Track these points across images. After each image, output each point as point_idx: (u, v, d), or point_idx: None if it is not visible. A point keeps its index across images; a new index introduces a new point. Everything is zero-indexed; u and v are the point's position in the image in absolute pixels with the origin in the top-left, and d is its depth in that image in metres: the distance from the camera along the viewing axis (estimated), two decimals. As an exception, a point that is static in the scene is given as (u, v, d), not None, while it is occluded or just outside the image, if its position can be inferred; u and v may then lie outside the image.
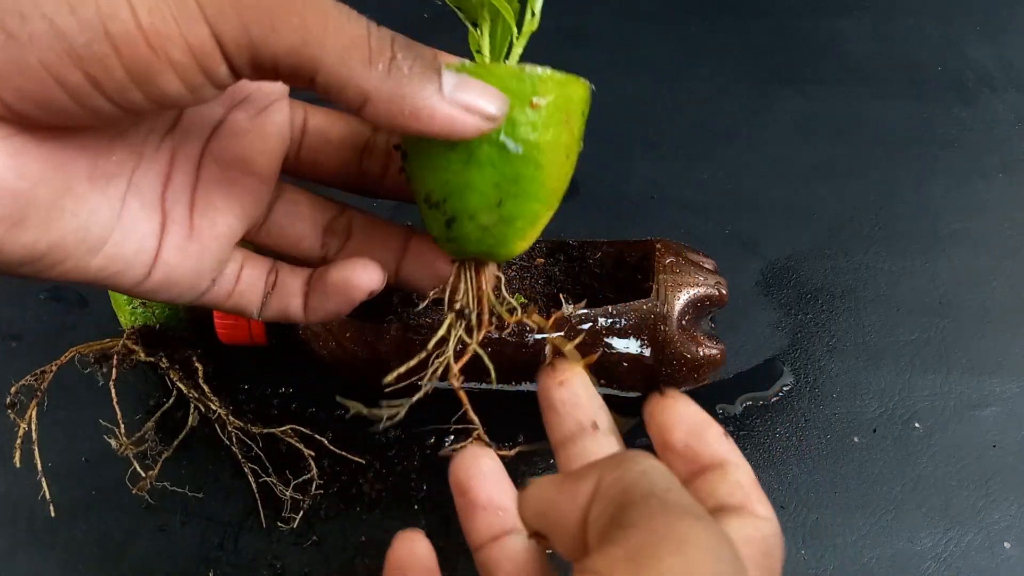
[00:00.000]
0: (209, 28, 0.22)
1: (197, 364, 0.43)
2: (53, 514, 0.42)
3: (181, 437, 0.43)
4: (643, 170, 0.57)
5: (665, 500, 0.22)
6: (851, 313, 0.50)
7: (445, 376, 0.32)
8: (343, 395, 0.33)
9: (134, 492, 0.42)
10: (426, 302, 0.36)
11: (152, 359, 0.43)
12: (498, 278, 0.33)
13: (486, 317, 0.32)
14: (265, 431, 0.43)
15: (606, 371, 0.42)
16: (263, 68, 0.24)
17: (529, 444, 0.32)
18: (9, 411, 0.42)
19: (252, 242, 0.34)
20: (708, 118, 0.60)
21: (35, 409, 0.41)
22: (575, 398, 0.30)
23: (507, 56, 0.30)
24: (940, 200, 0.55)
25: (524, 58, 0.29)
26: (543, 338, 0.41)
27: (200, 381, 0.43)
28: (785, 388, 0.48)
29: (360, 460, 0.44)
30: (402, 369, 0.31)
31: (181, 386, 0.43)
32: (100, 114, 0.24)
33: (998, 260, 0.52)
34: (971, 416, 0.46)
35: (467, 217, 0.29)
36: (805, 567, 0.42)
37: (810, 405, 0.47)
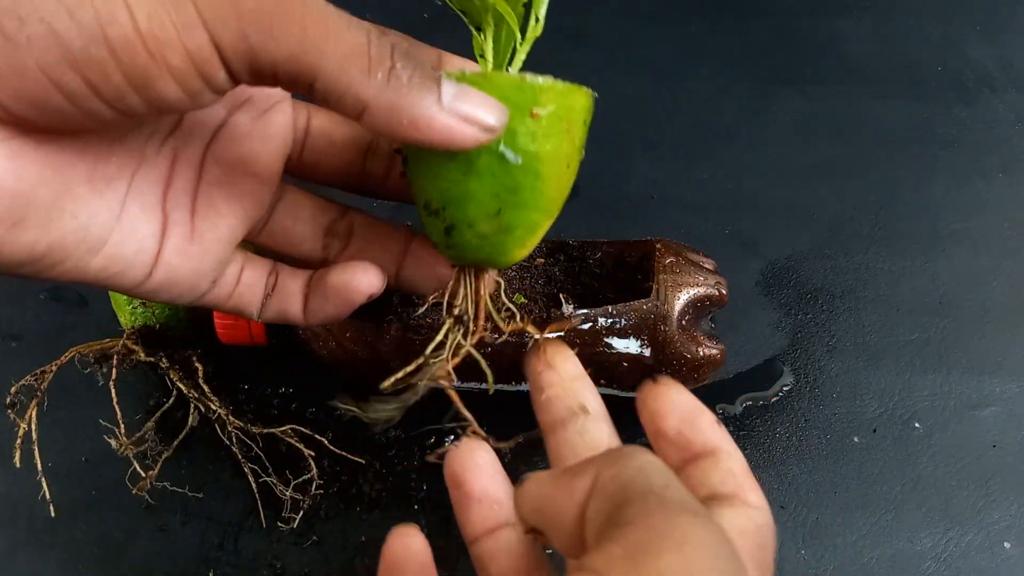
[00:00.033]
0: (208, 34, 0.22)
1: (197, 364, 0.43)
2: (53, 514, 0.42)
3: (181, 437, 0.43)
4: (643, 170, 0.57)
5: (663, 497, 0.22)
6: (851, 313, 0.50)
7: (452, 379, 0.33)
8: (339, 399, 0.33)
9: (134, 492, 0.42)
10: (425, 306, 0.36)
11: (152, 359, 0.43)
12: (498, 283, 0.33)
13: (481, 322, 0.32)
14: (265, 431, 0.43)
15: (606, 371, 0.42)
16: (262, 74, 0.23)
17: (528, 433, 0.32)
18: (9, 411, 0.42)
19: (253, 243, 0.34)
20: (708, 118, 0.60)
21: (35, 409, 0.41)
22: (563, 380, 0.30)
23: (510, 61, 0.30)
24: (940, 200, 0.55)
25: (527, 59, 0.29)
26: (554, 324, 0.41)
27: (200, 381, 0.43)
28: (785, 388, 0.48)
29: (360, 460, 0.44)
30: (399, 375, 0.31)
31: (181, 386, 0.43)
32: (98, 118, 0.23)
33: (998, 260, 0.52)
34: (971, 416, 0.46)
35: (466, 225, 0.29)
36: (805, 567, 0.42)
37: (810, 405, 0.47)
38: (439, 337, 0.31)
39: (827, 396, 0.47)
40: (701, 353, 0.42)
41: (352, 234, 0.34)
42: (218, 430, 0.43)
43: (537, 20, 0.29)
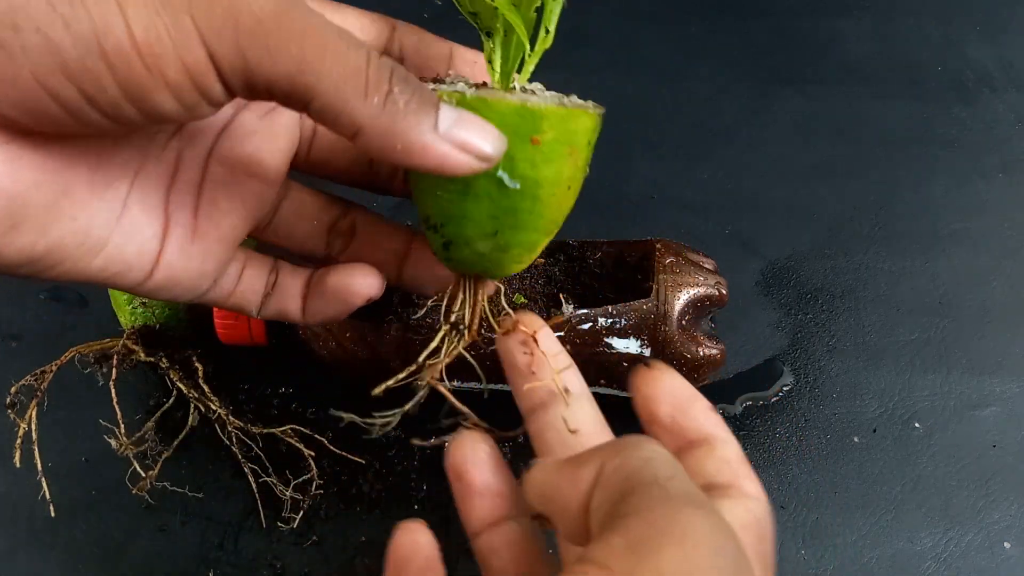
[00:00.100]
0: (205, 48, 0.22)
1: (197, 364, 0.43)
2: (53, 514, 0.42)
3: (181, 437, 0.43)
4: (643, 170, 0.57)
5: (667, 489, 0.22)
6: (851, 313, 0.50)
7: (442, 377, 0.32)
8: (337, 410, 0.33)
9: (134, 492, 0.42)
10: (424, 309, 0.36)
11: (152, 359, 0.43)
12: (497, 287, 0.33)
13: (475, 327, 0.31)
14: (265, 431, 0.43)
15: (606, 371, 0.42)
16: (258, 91, 0.23)
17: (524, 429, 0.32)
18: (9, 411, 0.42)
19: (255, 238, 0.34)
20: (708, 118, 0.60)
21: (35, 409, 0.41)
22: (541, 360, 0.30)
23: (519, 70, 0.30)
24: (940, 200, 0.55)
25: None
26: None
27: (200, 381, 0.43)
28: (785, 388, 0.48)
29: (360, 460, 0.44)
30: (391, 382, 0.31)
31: (181, 386, 0.43)
32: (94, 127, 0.23)
33: (998, 260, 0.52)
34: (971, 416, 0.46)
35: (463, 243, 0.29)
36: (805, 567, 0.42)
37: (810, 405, 0.47)
38: (434, 343, 0.31)
39: (827, 396, 0.47)
40: (701, 353, 0.42)
41: (355, 232, 0.34)
42: (218, 430, 0.43)
43: (547, 32, 0.29)
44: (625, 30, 0.65)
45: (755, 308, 0.50)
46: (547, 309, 0.41)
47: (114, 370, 0.42)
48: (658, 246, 0.43)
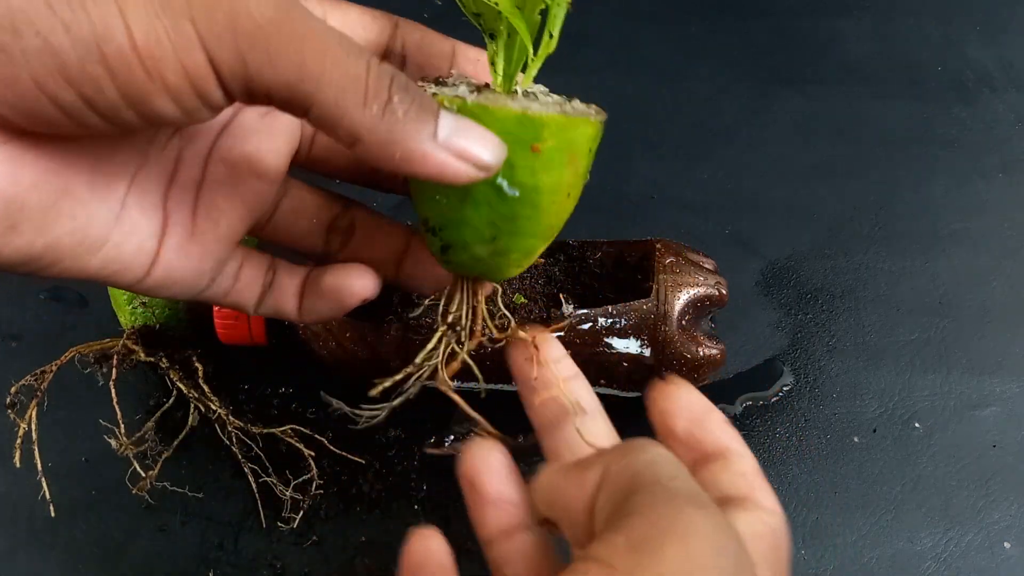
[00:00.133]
0: (205, 53, 0.22)
1: (197, 364, 0.43)
2: (53, 514, 0.42)
3: (181, 437, 0.43)
4: (643, 170, 0.57)
5: (670, 489, 0.22)
6: (851, 313, 0.50)
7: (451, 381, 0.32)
8: (329, 396, 0.33)
9: (134, 492, 0.42)
10: (421, 308, 0.36)
11: (152, 359, 0.43)
12: (495, 288, 0.33)
13: (479, 329, 0.31)
14: (265, 431, 0.43)
15: (606, 371, 0.42)
16: (257, 97, 0.23)
17: (532, 437, 0.32)
18: (9, 411, 0.42)
19: (254, 236, 0.34)
20: (708, 118, 0.60)
21: (35, 409, 0.41)
22: (554, 377, 0.30)
23: (523, 69, 0.29)
24: (940, 200, 0.55)
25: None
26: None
27: (200, 381, 0.43)
28: (785, 388, 0.48)
29: (360, 460, 0.44)
30: (387, 383, 0.31)
31: (181, 386, 0.43)
32: (94, 130, 0.23)
33: (998, 260, 0.52)
34: (971, 416, 0.46)
35: (461, 247, 0.29)
36: (805, 567, 0.42)
37: (810, 405, 0.47)
38: (431, 344, 0.31)
39: (827, 396, 0.47)
40: (701, 353, 0.42)
41: (354, 230, 0.34)
42: (218, 430, 0.43)
43: (551, 36, 0.28)
44: (625, 30, 0.65)
45: (755, 308, 0.50)
46: (547, 309, 0.41)
47: (114, 370, 0.42)
48: (658, 246, 0.43)
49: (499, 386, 0.43)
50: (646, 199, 0.55)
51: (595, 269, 0.44)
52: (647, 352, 0.41)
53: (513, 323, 0.32)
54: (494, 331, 0.32)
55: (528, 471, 0.30)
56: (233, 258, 0.32)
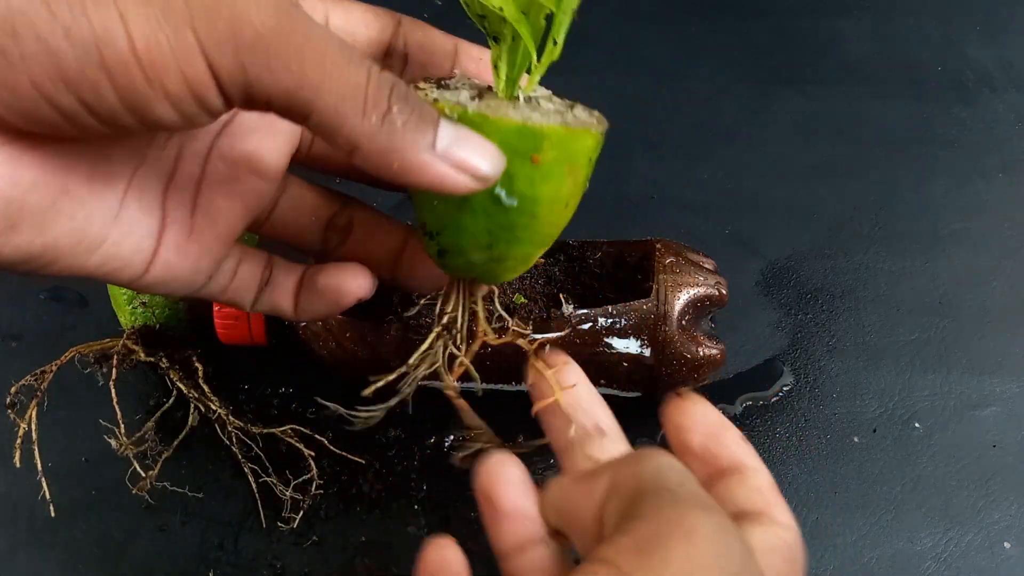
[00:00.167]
0: (206, 61, 0.22)
1: (197, 364, 0.43)
2: (53, 514, 0.42)
3: (181, 437, 0.43)
4: (643, 170, 0.57)
5: (676, 493, 0.22)
6: (851, 313, 0.50)
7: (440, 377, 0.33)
8: (328, 393, 0.33)
9: (134, 492, 0.42)
10: (417, 307, 0.36)
11: (152, 359, 0.43)
12: (492, 289, 0.33)
13: (480, 330, 0.32)
14: (265, 431, 0.43)
15: (606, 371, 0.42)
16: (256, 103, 0.23)
17: (530, 442, 0.32)
18: (9, 411, 0.42)
19: (251, 232, 0.34)
20: (708, 118, 0.60)
21: (35, 409, 0.41)
22: (575, 399, 0.30)
23: (528, 70, 0.29)
24: (940, 200, 0.55)
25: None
26: (542, 338, 0.41)
27: (200, 381, 0.43)
28: (785, 388, 0.48)
29: (360, 460, 0.44)
30: (380, 383, 0.31)
31: (181, 386, 0.43)
32: (93, 132, 0.23)
33: (998, 260, 0.52)
34: (971, 416, 0.46)
35: (458, 252, 0.29)
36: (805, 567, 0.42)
37: (810, 405, 0.47)
38: (426, 344, 0.31)
39: (827, 396, 0.47)
40: (701, 353, 0.42)
41: (352, 228, 0.34)
42: (218, 430, 0.43)
43: (555, 43, 0.28)
44: (625, 30, 0.65)
45: (755, 308, 0.50)
46: (547, 309, 0.41)
47: (114, 370, 0.42)
48: (658, 246, 0.43)
49: (499, 386, 0.43)
50: (646, 199, 0.55)
51: (595, 269, 0.44)
52: (647, 352, 0.41)
53: (511, 323, 0.32)
54: (491, 334, 0.32)
55: (534, 477, 0.30)
56: (231, 255, 0.32)
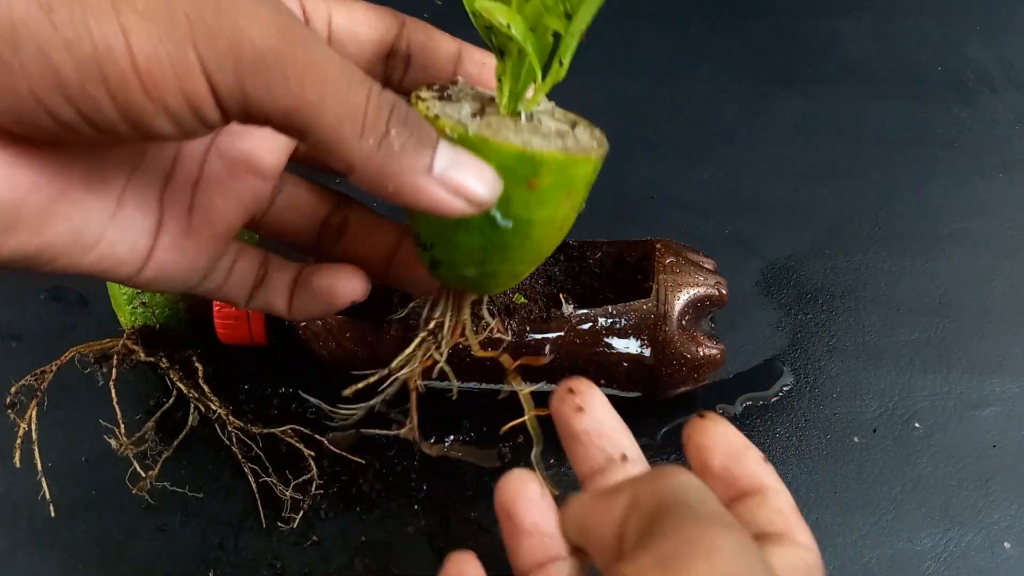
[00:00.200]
0: (206, 79, 0.22)
1: (197, 364, 0.43)
2: (53, 514, 0.42)
3: (181, 437, 0.43)
4: (643, 170, 0.57)
5: (697, 510, 0.22)
6: (851, 313, 0.50)
7: (441, 376, 0.33)
8: (323, 397, 0.34)
9: (134, 492, 0.42)
10: (405, 311, 0.36)
11: (152, 359, 0.43)
12: (480, 298, 0.33)
13: (458, 334, 0.32)
14: (265, 431, 0.43)
15: (606, 371, 0.42)
16: (254, 120, 0.23)
17: (462, 448, 0.33)
18: (9, 411, 0.42)
19: (247, 229, 0.34)
20: (708, 118, 0.60)
21: (35, 409, 0.41)
22: (598, 426, 0.30)
23: (535, 80, 0.29)
24: (940, 200, 0.55)
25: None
26: (542, 337, 0.41)
27: (200, 381, 0.43)
28: (785, 388, 0.48)
29: (360, 460, 0.44)
30: (361, 385, 0.32)
31: (181, 386, 0.43)
32: (90, 140, 0.23)
33: (998, 260, 0.52)
34: (971, 416, 0.46)
35: (450, 265, 0.29)
36: (805, 567, 0.42)
37: (810, 405, 0.47)
38: (411, 348, 0.32)
39: (827, 396, 0.47)
40: (701, 353, 0.42)
41: (347, 227, 0.34)
42: (218, 430, 0.43)
43: (560, 64, 0.28)
44: (625, 30, 0.65)
45: (755, 308, 0.50)
46: (547, 309, 0.41)
47: (114, 370, 0.42)
48: (658, 246, 0.43)
49: (498, 386, 0.43)
50: (646, 199, 0.55)
51: (595, 269, 0.44)
52: (647, 352, 0.41)
53: (495, 327, 0.32)
54: (476, 348, 0.32)
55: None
56: (227, 253, 0.32)
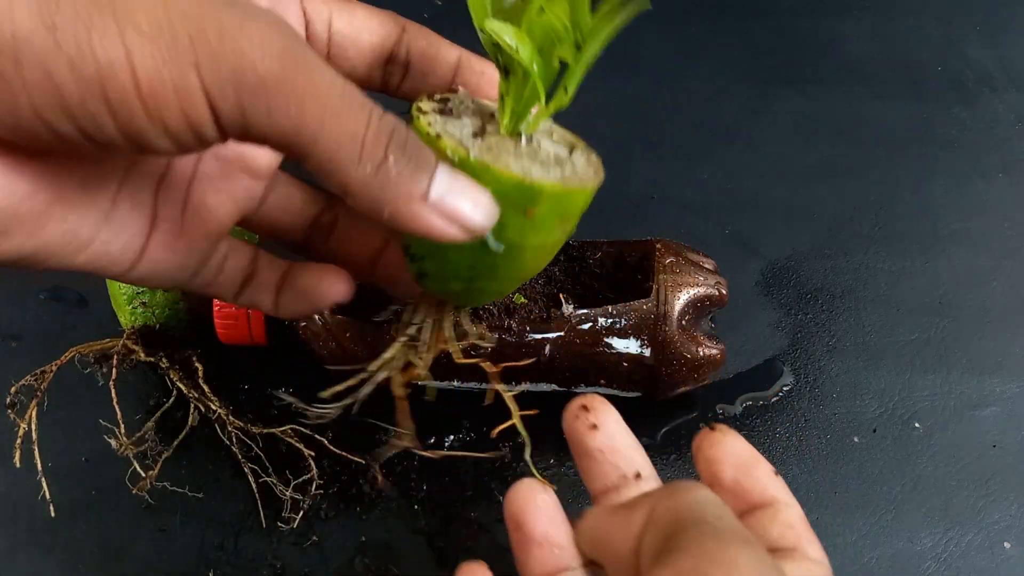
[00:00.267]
0: (207, 101, 0.22)
1: (197, 364, 0.43)
2: (53, 514, 0.42)
3: (181, 437, 0.43)
4: (643, 170, 0.57)
5: (715, 526, 0.22)
6: (851, 313, 0.50)
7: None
8: (283, 390, 0.34)
9: (134, 492, 0.42)
10: (385, 314, 0.36)
11: (152, 359, 0.43)
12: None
13: (446, 346, 0.32)
14: (265, 431, 0.43)
15: (606, 371, 0.42)
16: (253, 141, 0.24)
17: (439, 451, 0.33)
18: (9, 411, 0.42)
19: (237, 225, 0.34)
20: (708, 118, 0.59)
21: (35, 409, 0.41)
22: (611, 442, 0.30)
23: (535, 99, 0.29)
24: (940, 200, 0.55)
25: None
26: (542, 337, 0.41)
27: (200, 381, 0.43)
28: (785, 388, 0.48)
29: (360, 460, 0.44)
30: (339, 388, 0.32)
31: (181, 386, 0.43)
32: (88, 155, 0.23)
33: (998, 260, 0.52)
34: (971, 416, 0.46)
35: (437, 278, 0.29)
36: (805, 567, 0.42)
37: (810, 405, 0.47)
38: (389, 353, 0.32)
39: (827, 396, 0.47)
40: (701, 353, 0.42)
41: (335, 226, 0.34)
42: (218, 430, 0.43)
43: (565, 91, 0.28)
44: (625, 30, 0.64)
45: (755, 308, 0.50)
46: (547, 309, 0.41)
47: (114, 370, 0.42)
48: (658, 246, 0.43)
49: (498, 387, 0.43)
50: (646, 199, 0.55)
51: (595, 269, 0.44)
52: (647, 352, 0.41)
53: (477, 332, 0.32)
54: (458, 354, 0.32)
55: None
56: (219, 250, 0.32)
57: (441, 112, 0.28)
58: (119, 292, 0.45)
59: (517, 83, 0.28)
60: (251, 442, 0.43)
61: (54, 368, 0.42)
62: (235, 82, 0.22)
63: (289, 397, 0.33)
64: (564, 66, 0.28)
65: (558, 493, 0.30)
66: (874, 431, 0.46)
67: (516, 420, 0.33)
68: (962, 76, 0.62)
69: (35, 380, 0.42)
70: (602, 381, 0.42)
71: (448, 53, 0.32)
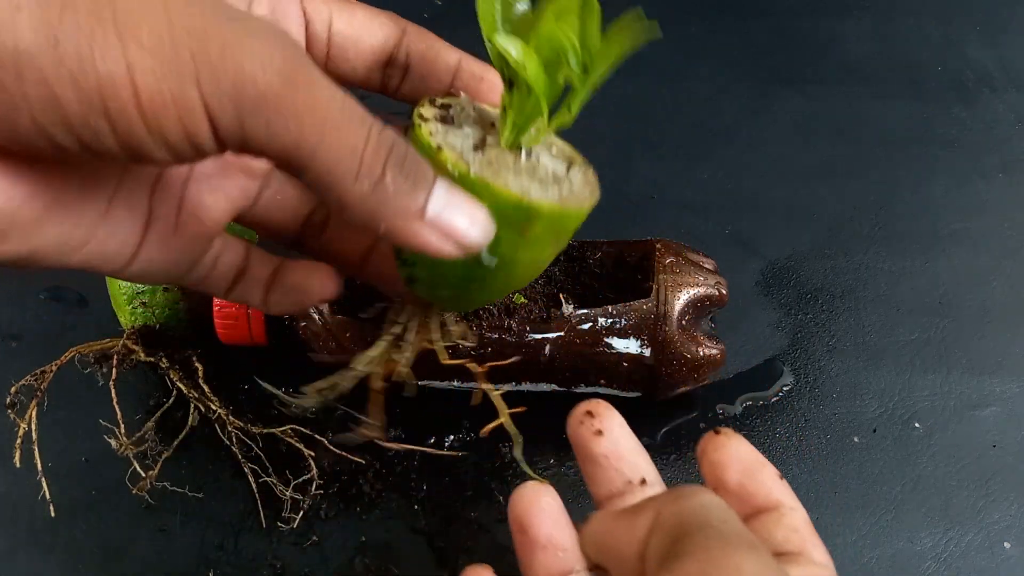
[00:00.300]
0: (207, 116, 0.22)
1: (197, 364, 0.43)
2: (53, 514, 0.42)
3: (181, 437, 0.43)
4: (643, 170, 0.57)
5: (721, 531, 0.22)
6: (851, 313, 0.50)
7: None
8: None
9: (134, 492, 0.42)
10: (372, 313, 0.36)
11: (152, 359, 0.43)
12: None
13: (431, 345, 0.32)
14: (265, 431, 0.43)
15: (606, 371, 0.42)
16: (251, 154, 0.24)
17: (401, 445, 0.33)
18: (9, 411, 0.42)
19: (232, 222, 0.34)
20: (708, 118, 0.59)
21: (35, 409, 0.41)
22: (616, 448, 0.30)
23: (536, 116, 0.29)
24: (940, 200, 0.55)
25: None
26: (542, 337, 0.41)
27: (200, 381, 0.43)
28: (785, 388, 0.47)
29: (360, 460, 0.44)
30: (322, 384, 0.32)
31: (181, 386, 0.43)
32: (85, 161, 0.23)
33: (998, 260, 0.52)
34: (971, 416, 0.46)
35: (427, 285, 0.29)
36: (805, 567, 0.42)
37: (810, 405, 0.47)
38: (372, 351, 0.32)
39: (827, 396, 0.47)
40: (701, 353, 0.42)
41: (327, 224, 0.34)
42: (218, 430, 0.43)
43: (569, 110, 0.28)
44: (625, 30, 0.65)
45: (755, 308, 0.50)
46: (547, 309, 0.41)
47: (114, 370, 0.42)
48: (658, 246, 0.43)
49: (497, 386, 0.43)
50: (646, 199, 0.55)
51: (595, 269, 0.44)
52: (647, 352, 0.41)
53: (462, 333, 0.33)
54: (443, 356, 0.32)
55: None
56: (213, 247, 0.32)
57: (443, 120, 0.28)
58: (119, 292, 0.45)
59: (521, 97, 0.28)
60: (251, 442, 0.43)
61: (54, 368, 0.42)
62: (235, 97, 0.22)
63: (271, 388, 0.33)
64: (567, 85, 0.28)
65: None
66: (874, 431, 0.46)
67: (504, 419, 0.33)
68: (962, 76, 0.62)
69: (35, 380, 0.42)
70: (602, 381, 0.42)
71: (448, 56, 0.32)
